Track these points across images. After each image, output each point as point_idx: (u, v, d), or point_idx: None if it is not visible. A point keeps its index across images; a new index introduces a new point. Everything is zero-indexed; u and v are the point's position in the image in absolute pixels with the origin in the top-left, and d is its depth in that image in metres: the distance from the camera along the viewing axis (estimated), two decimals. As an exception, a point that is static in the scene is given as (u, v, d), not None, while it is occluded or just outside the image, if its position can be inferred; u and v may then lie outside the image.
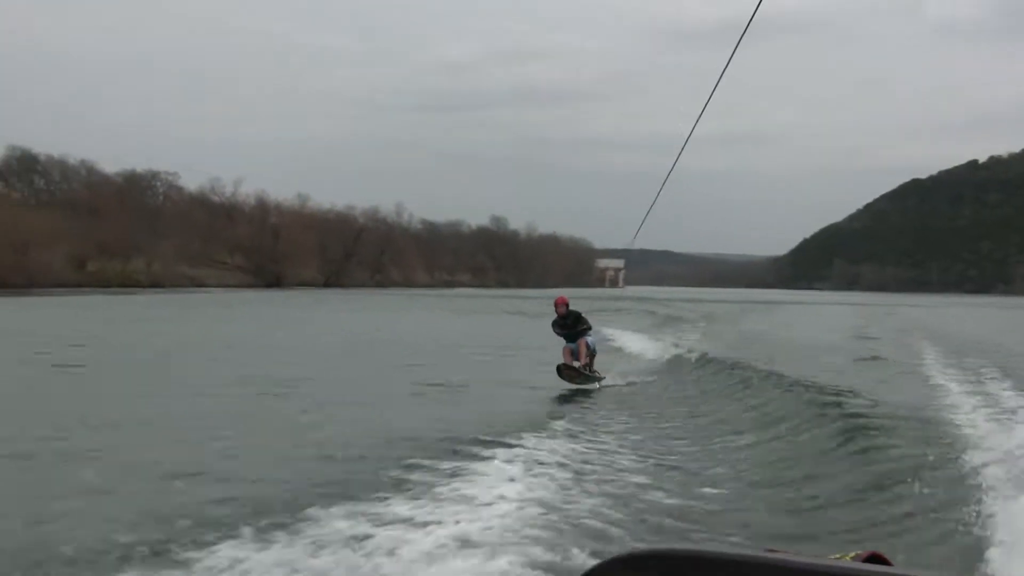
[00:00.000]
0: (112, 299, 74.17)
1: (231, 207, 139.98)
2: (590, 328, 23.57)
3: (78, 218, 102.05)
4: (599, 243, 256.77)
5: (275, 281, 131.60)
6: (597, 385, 22.39)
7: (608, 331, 37.88)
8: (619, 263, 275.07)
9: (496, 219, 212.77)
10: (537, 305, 59.84)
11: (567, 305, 23.64)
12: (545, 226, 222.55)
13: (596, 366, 23.14)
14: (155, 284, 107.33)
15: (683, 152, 8.22)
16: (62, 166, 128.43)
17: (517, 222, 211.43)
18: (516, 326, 47.42)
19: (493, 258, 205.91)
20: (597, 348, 23.69)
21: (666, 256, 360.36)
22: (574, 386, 21.80)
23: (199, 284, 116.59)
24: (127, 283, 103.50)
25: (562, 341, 23.18)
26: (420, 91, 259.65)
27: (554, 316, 23.71)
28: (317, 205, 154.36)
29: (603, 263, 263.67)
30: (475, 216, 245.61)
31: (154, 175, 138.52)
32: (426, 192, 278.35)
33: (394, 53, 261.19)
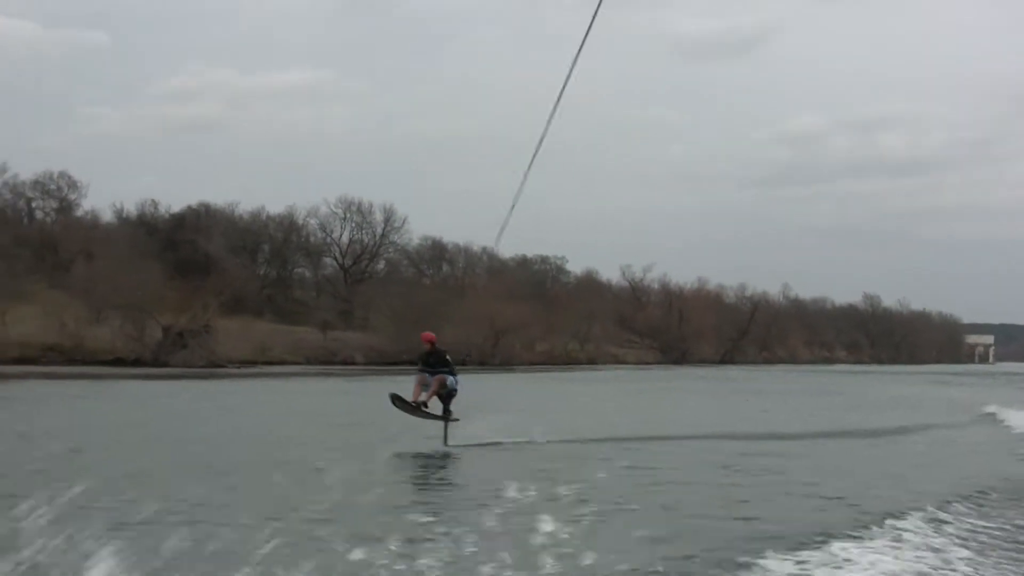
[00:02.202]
0: (600, 375, 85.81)
1: (640, 290, 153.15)
2: (453, 373, 24.15)
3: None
4: (967, 317, 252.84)
5: (680, 358, 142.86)
6: (444, 420, 23.56)
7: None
8: (988, 339, 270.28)
9: (868, 297, 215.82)
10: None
11: (433, 343, 24.53)
12: (901, 296, 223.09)
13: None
14: (591, 361, 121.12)
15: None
16: (467, 252, 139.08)
17: (873, 292, 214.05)
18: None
19: (867, 335, 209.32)
20: (458, 390, 24.09)
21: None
22: None
23: (620, 361, 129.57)
24: (570, 361, 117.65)
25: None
26: (761, 163, 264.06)
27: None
28: (716, 288, 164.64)
29: (972, 339, 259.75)
30: (829, 289, 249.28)
31: (543, 259, 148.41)
32: (777, 266, 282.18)
33: (731, 127, 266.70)
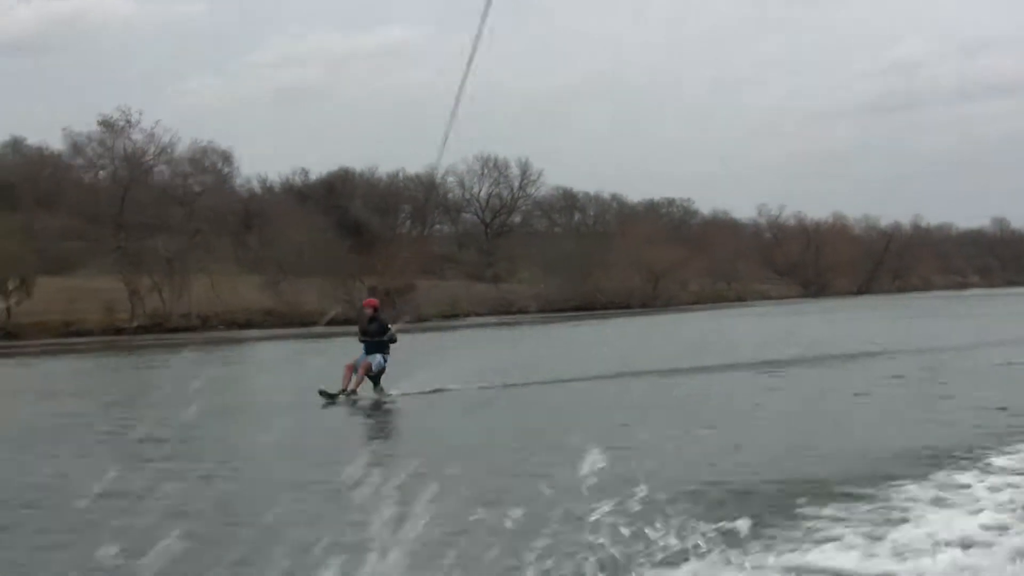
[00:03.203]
0: (770, 309, 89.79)
1: (778, 228, 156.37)
2: (393, 341, 23.53)
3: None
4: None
5: (820, 291, 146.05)
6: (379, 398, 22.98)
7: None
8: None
9: (997, 220, 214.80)
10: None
11: (376, 308, 24.13)
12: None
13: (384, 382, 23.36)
14: (739, 298, 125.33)
15: None
16: (597, 200, 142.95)
17: (999, 215, 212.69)
18: None
19: (998, 258, 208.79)
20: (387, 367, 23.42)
21: None
22: None
23: (766, 297, 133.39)
24: (720, 299, 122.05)
25: None
26: (868, 92, 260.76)
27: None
28: (850, 222, 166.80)
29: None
30: (954, 215, 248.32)
31: (670, 202, 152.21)
32: (898, 195, 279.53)
33: (834, 59, 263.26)
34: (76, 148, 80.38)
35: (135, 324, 72.20)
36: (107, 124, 76.15)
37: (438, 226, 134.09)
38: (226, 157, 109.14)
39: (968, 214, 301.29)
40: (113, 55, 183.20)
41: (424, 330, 64.00)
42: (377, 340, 23.11)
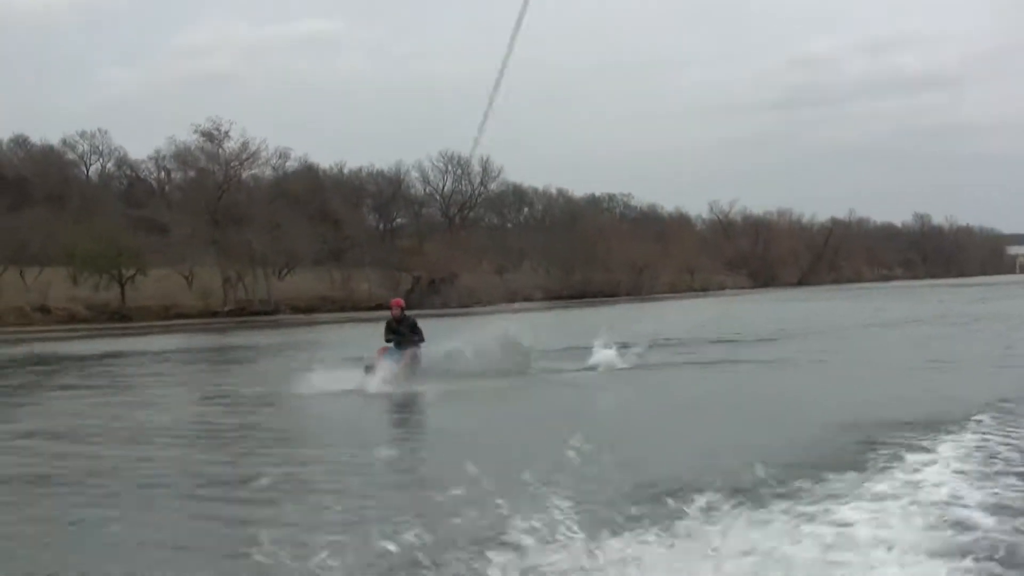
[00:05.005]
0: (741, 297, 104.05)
1: (728, 224, 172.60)
2: (423, 340, 23.37)
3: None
4: (1007, 228, 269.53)
5: (768, 282, 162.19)
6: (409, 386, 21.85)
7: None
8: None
9: (919, 216, 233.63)
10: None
11: (403, 308, 23.87)
12: (945, 211, 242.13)
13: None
14: (703, 289, 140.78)
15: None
16: (545, 196, 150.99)
17: (920, 210, 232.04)
18: None
19: (920, 252, 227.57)
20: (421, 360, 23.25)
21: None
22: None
23: (723, 287, 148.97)
24: (689, 289, 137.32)
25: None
26: (780, 87, 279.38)
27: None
28: (796, 217, 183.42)
29: (1014, 250, 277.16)
30: (874, 209, 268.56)
31: (611, 197, 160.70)
32: (803, 188, 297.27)
33: (750, 52, 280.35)
34: (179, 156, 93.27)
35: (227, 309, 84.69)
36: (207, 134, 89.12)
37: (399, 220, 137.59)
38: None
39: (892, 208, 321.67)
40: (30, 44, 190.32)
41: (468, 315, 76.34)
42: (407, 339, 23.18)
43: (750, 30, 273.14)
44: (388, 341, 23.05)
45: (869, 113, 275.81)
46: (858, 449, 12.45)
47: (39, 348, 49.02)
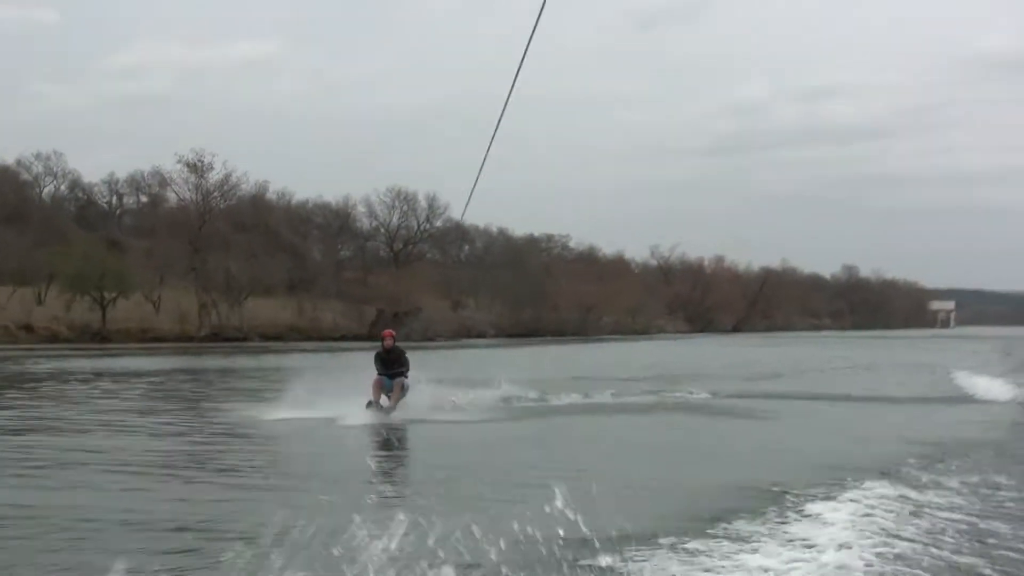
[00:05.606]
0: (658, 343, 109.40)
1: (668, 269, 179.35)
2: (408, 369, 24.35)
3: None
4: (929, 282, 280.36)
5: (705, 327, 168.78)
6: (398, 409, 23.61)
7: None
8: (950, 305, 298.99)
9: (847, 267, 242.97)
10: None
11: (394, 338, 24.71)
12: (871, 262, 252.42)
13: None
14: (644, 331, 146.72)
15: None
16: (486, 234, 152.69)
17: (833, 265, 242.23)
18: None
19: (848, 303, 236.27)
20: (409, 388, 24.32)
21: (982, 296, 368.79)
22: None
23: (663, 331, 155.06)
24: (630, 331, 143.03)
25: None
26: (710, 133, 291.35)
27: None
28: (731, 264, 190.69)
29: (935, 305, 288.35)
30: (800, 257, 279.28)
31: (549, 238, 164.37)
32: (738, 232, 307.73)
33: (682, 97, 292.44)
34: (163, 183, 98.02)
35: (202, 333, 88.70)
36: (191, 165, 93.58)
37: (344, 252, 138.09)
38: (163, 181, 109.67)
39: (821, 258, 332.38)
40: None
41: (434, 348, 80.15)
42: (397, 371, 24.19)
43: (682, 73, 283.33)
44: (381, 373, 24.09)
45: (799, 160, 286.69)
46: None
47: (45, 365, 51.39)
